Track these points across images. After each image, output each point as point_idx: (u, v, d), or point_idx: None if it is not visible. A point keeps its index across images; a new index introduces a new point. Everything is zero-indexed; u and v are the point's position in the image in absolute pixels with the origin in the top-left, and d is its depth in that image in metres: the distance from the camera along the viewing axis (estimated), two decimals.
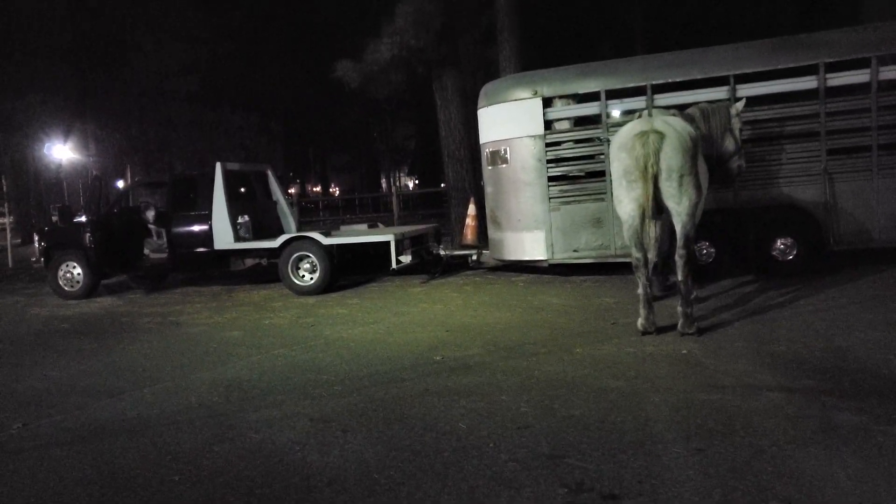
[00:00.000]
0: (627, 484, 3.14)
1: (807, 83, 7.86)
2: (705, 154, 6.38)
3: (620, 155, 5.93)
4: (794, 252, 8.00)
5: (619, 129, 6.32)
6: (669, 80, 8.38)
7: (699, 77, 8.29)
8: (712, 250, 8.28)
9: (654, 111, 7.17)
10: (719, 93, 8.12)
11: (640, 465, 3.33)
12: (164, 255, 10.64)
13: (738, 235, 8.13)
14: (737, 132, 6.92)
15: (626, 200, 5.94)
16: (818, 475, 3.09)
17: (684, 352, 5.28)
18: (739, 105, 7.00)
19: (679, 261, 5.79)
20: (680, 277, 5.78)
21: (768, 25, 10.14)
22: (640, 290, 5.88)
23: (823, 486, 2.97)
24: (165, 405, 4.89)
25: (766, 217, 8.04)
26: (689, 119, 6.58)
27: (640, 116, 6.45)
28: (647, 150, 5.67)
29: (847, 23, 8.83)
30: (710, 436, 3.61)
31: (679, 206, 5.78)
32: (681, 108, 7.15)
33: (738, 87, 8.03)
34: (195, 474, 3.64)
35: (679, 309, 5.80)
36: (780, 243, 8.05)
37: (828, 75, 7.77)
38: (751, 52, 8.22)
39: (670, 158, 5.67)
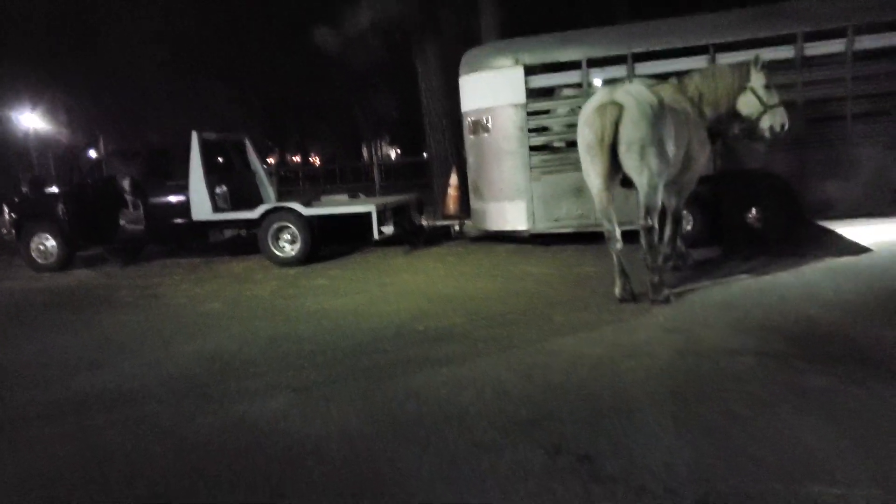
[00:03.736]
0: (603, 447, 3.22)
1: (785, 52, 7.89)
2: (709, 118, 6.46)
3: (583, 130, 6.04)
4: (766, 221, 8.09)
5: (585, 103, 6.34)
6: (650, 49, 8.36)
7: (679, 46, 8.28)
8: (690, 218, 8.36)
9: (618, 82, 7.17)
10: (699, 61, 8.14)
11: (616, 428, 3.41)
12: (141, 227, 10.51)
13: (715, 204, 8.21)
14: (760, 90, 6.39)
15: (593, 174, 6.03)
16: (786, 436, 3.19)
17: (661, 319, 5.38)
18: (759, 61, 6.45)
19: (641, 231, 5.90)
20: (644, 247, 5.90)
21: None
22: (614, 261, 6.02)
23: (793, 447, 3.08)
24: (146, 378, 4.89)
25: (741, 186, 8.11)
26: (679, 88, 6.51)
27: (603, 88, 6.51)
28: (604, 122, 5.76)
29: None
30: (685, 399, 3.70)
31: (640, 178, 5.83)
32: (663, 77, 7.15)
33: (717, 55, 8.04)
34: (178, 446, 3.66)
35: (647, 278, 5.92)
36: (754, 212, 8.15)
37: (805, 44, 7.80)
38: (730, 20, 8.21)
39: (629, 130, 5.72)
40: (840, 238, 8.03)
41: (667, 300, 5.80)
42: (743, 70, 6.46)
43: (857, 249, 7.36)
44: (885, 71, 7.67)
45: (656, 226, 5.97)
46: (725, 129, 6.79)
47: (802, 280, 6.26)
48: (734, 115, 6.58)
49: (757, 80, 6.41)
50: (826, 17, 7.78)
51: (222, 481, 3.22)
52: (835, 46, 7.72)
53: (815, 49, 7.78)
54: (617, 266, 6.02)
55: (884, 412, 3.36)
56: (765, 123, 6.44)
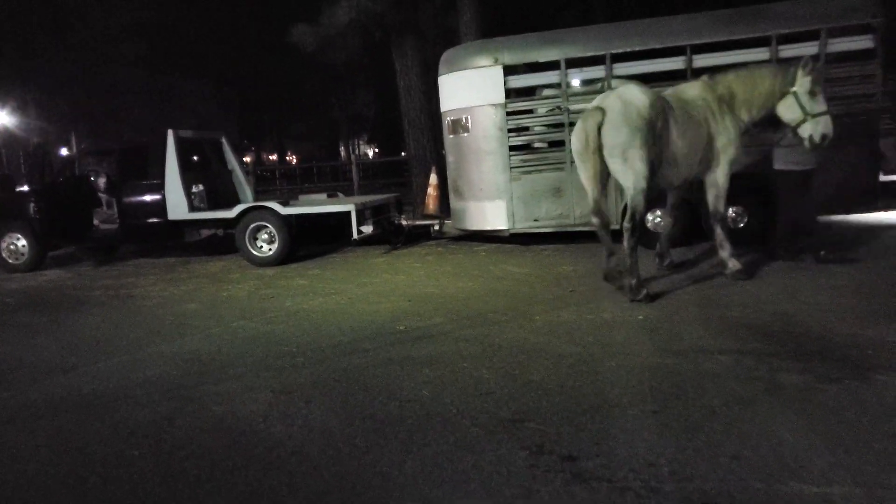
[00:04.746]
0: (585, 446, 3.24)
1: (760, 54, 8.00)
2: (745, 119, 6.25)
3: (573, 136, 6.28)
4: (745, 220, 8.20)
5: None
6: (628, 50, 8.43)
7: (657, 47, 8.36)
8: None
9: (616, 81, 7.20)
10: (676, 63, 8.24)
11: (598, 427, 3.43)
12: (115, 226, 10.35)
13: (690, 205, 8.28)
14: (804, 97, 6.03)
15: (584, 178, 6.25)
16: (764, 433, 3.23)
17: (640, 317, 5.42)
18: (809, 64, 6.03)
19: (624, 233, 5.99)
20: (625, 248, 5.97)
21: None
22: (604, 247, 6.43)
23: (771, 445, 3.12)
24: (121, 380, 4.80)
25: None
26: (708, 86, 6.30)
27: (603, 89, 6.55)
28: (587, 128, 5.92)
29: None
30: (664, 398, 3.73)
31: (625, 181, 5.95)
32: (643, 79, 7.20)
33: (694, 57, 8.14)
34: (155, 448, 3.60)
35: (626, 279, 6.01)
36: (731, 211, 8.25)
37: (780, 47, 7.91)
38: (707, 22, 8.31)
39: (610, 135, 5.85)
40: (820, 235, 8.15)
41: (646, 299, 5.85)
42: (788, 73, 6.13)
43: (838, 247, 7.48)
44: (858, 74, 7.81)
45: (638, 228, 6.03)
46: (766, 130, 6.56)
47: (780, 278, 6.36)
48: (776, 118, 6.31)
49: (802, 85, 6.06)
50: (800, 20, 7.91)
51: (202, 483, 3.17)
52: (808, 49, 7.84)
53: (790, 51, 7.91)
54: (605, 249, 6.36)
55: (859, 409, 3.42)
56: (804, 132, 6.13)
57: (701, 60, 8.11)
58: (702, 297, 5.92)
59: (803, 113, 6.08)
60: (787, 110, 6.18)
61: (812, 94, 6.04)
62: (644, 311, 5.61)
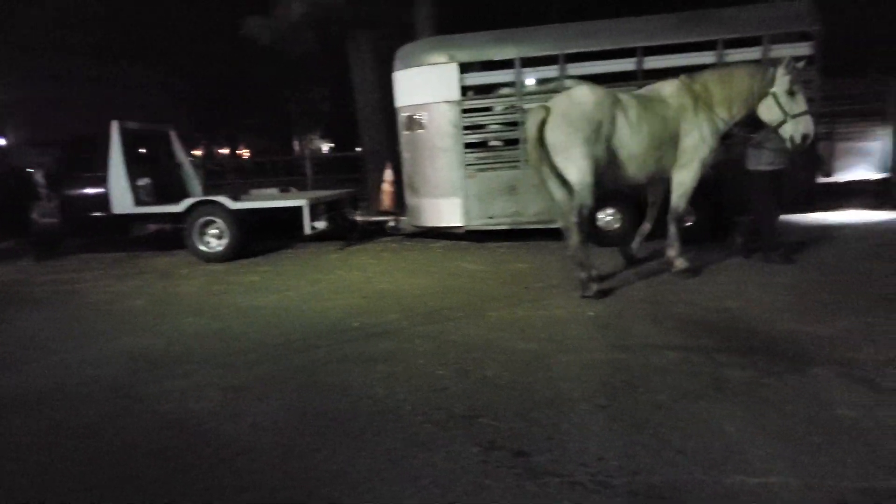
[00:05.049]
0: (537, 441, 3.28)
1: (707, 58, 8.22)
2: (725, 118, 6.23)
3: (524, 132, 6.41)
4: (692, 219, 8.41)
5: None
6: (581, 50, 8.55)
7: (610, 48, 8.51)
8: (619, 216, 8.61)
9: (570, 82, 7.30)
10: (628, 64, 8.41)
11: (549, 422, 3.48)
12: (56, 220, 9.99)
13: (640, 202, 8.46)
14: (782, 97, 6.09)
15: (534, 171, 6.34)
16: (709, 427, 3.34)
17: (591, 314, 5.52)
18: (786, 64, 6.08)
19: (571, 228, 6.10)
20: (572, 242, 6.09)
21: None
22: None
23: (715, 438, 3.22)
24: (65, 378, 4.64)
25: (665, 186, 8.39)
26: (684, 85, 6.30)
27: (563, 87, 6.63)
28: (530, 125, 6.09)
29: (750, 1, 9.31)
30: (614, 393, 3.82)
31: (570, 177, 6.09)
32: (597, 80, 7.30)
33: (645, 58, 8.33)
34: (99, 448, 3.49)
35: (575, 274, 6.15)
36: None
37: (725, 51, 8.16)
38: (658, 25, 8.51)
39: (550, 133, 6.03)
40: (769, 234, 8.42)
41: (598, 295, 5.97)
42: (767, 73, 6.18)
43: (785, 245, 7.75)
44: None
45: (585, 223, 6.12)
46: (749, 129, 6.58)
47: (726, 276, 6.56)
48: (757, 118, 6.36)
49: (781, 85, 6.12)
50: (744, 26, 8.18)
51: (147, 485, 3.09)
52: (752, 54, 8.10)
53: (735, 55, 8.14)
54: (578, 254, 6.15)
55: (796, 402, 3.56)
56: (785, 133, 6.20)
57: (651, 62, 8.31)
58: (651, 295, 6.06)
59: (783, 113, 6.14)
60: (767, 111, 6.24)
61: (791, 94, 6.11)
62: (595, 307, 5.72)
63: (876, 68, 9.13)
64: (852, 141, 10.08)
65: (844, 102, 9.81)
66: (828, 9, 8.38)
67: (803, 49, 7.89)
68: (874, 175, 9.37)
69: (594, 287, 6.03)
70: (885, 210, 9.85)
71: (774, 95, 6.15)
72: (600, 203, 8.23)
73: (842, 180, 10.01)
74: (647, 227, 7.14)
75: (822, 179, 9.69)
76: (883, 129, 8.73)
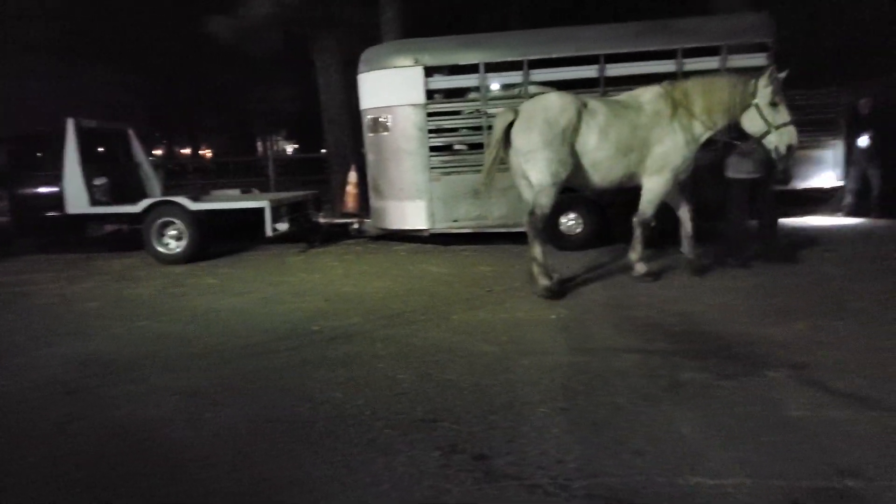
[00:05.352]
0: (497, 444, 3.28)
1: (667, 66, 8.39)
2: (707, 126, 6.24)
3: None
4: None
5: None
6: (545, 56, 8.64)
7: (573, 55, 8.61)
8: (581, 221, 8.69)
9: (537, 88, 7.38)
10: (590, 71, 8.52)
11: (510, 425, 3.49)
12: (5, 219, 9.67)
13: (601, 208, 8.55)
14: (765, 109, 6.08)
15: (515, 179, 6.54)
16: (666, 429, 3.38)
17: (553, 317, 5.56)
18: (768, 75, 6.08)
19: (527, 226, 6.23)
20: (529, 240, 6.22)
21: (638, 9, 10.70)
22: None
23: (669, 438, 3.27)
24: (14, 382, 4.48)
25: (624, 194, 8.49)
26: (664, 93, 6.30)
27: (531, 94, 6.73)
28: (496, 128, 6.35)
29: (709, 12, 9.55)
30: (574, 395, 3.84)
31: (532, 178, 6.24)
32: (560, 86, 7.37)
33: (607, 66, 8.45)
34: (51, 454, 3.38)
35: (530, 268, 6.30)
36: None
37: (685, 60, 8.34)
38: (619, 33, 8.65)
39: (515, 137, 6.24)
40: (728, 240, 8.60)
41: (551, 294, 6.08)
42: (749, 84, 6.17)
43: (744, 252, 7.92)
44: None
45: (538, 222, 6.19)
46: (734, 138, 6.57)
47: (685, 281, 6.68)
48: (742, 129, 6.35)
49: (763, 97, 6.10)
50: (703, 36, 8.37)
51: (98, 492, 2.99)
52: (710, 63, 8.29)
53: (694, 65, 8.31)
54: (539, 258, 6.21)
55: (750, 403, 3.64)
56: (770, 144, 6.20)
57: (613, 69, 8.44)
58: (611, 298, 6.13)
59: (766, 125, 6.13)
60: (751, 122, 6.22)
61: (773, 105, 6.09)
62: (557, 310, 5.76)
63: (828, 80, 9.42)
64: (806, 150, 10.39)
65: (799, 113, 10.08)
66: (783, 22, 8.64)
67: (759, 60, 8.10)
68: (827, 184, 9.65)
69: (546, 283, 6.15)
70: (837, 217, 10.18)
71: (757, 107, 6.14)
72: (563, 207, 8.33)
73: (797, 188, 10.29)
74: (687, 228, 6.83)
75: (779, 188, 9.93)
76: (835, 139, 9.01)
